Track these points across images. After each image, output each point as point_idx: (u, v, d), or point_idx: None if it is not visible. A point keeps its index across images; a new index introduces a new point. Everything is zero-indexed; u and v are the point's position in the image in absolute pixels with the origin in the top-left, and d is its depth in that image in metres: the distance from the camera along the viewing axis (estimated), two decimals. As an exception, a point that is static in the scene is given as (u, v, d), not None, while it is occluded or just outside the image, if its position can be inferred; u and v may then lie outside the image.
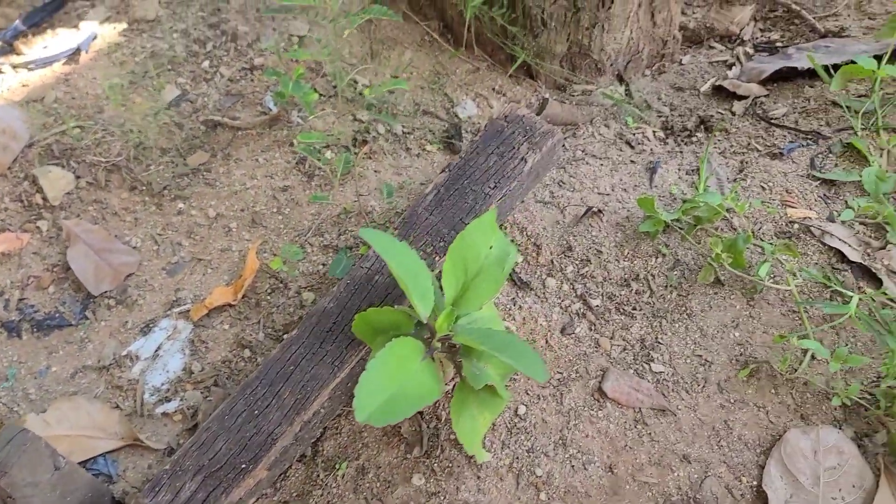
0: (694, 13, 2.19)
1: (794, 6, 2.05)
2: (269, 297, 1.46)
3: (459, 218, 1.36)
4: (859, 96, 1.72)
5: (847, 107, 1.69)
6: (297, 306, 1.44)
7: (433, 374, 1.09)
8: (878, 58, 1.69)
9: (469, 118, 1.75)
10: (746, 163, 1.62)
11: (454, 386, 1.23)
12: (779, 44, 2.05)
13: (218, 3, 1.95)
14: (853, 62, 1.78)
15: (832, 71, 1.70)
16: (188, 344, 1.43)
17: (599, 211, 1.52)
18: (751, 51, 2.07)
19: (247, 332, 1.43)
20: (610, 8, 1.63)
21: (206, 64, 1.83)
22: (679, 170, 1.63)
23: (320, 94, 1.72)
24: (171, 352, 1.42)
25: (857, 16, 1.99)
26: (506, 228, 1.50)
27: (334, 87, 1.74)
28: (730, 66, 2.03)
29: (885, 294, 1.38)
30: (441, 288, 1.16)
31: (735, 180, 1.59)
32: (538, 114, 1.76)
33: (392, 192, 1.48)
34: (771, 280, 1.40)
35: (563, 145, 1.70)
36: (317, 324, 1.28)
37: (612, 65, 1.78)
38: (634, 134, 1.75)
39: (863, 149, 1.57)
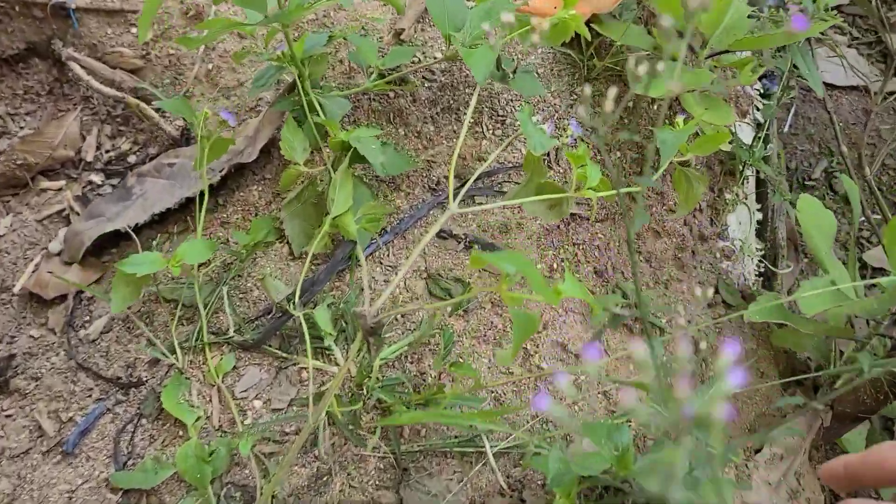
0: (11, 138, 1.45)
1: (129, 99, 1.38)
2: None
3: None
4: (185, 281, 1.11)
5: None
6: None
7: None
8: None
9: None
10: None
11: None
12: (132, 157, 1.39)
13: None
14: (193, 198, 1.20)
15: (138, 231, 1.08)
16: None
17: None
18: (99, 178, 1.40)
19: None
20: None
21: None
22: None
23: None
24: None
25: (209, 90, 1.36)
26: None
27: None
28: (67, 219, 1.35)
29: None
30: None
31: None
32: None
33: None
34: None
35: None
36: None
37: None
38: None
39: (174, 411, 0.98)
